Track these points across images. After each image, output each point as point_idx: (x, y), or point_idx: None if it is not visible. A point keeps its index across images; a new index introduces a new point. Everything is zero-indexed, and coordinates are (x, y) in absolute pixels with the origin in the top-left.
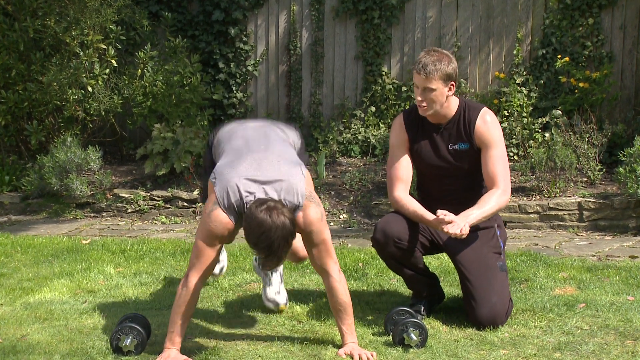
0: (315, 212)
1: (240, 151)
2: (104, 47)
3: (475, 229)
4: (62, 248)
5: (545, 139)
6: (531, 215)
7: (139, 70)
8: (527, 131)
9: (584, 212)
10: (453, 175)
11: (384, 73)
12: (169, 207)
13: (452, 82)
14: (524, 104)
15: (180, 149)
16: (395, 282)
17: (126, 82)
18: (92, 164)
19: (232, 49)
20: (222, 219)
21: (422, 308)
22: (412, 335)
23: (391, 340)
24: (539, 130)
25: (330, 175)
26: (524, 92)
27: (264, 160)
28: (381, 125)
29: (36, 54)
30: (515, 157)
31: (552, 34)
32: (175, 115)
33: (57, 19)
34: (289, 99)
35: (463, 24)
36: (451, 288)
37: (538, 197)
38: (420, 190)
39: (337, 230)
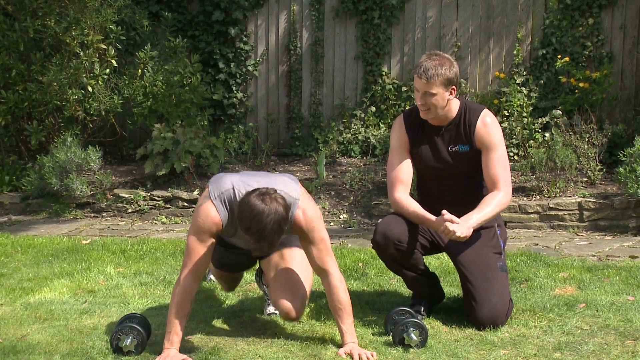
0: (314, 210)
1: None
2: (104, 47)
3: (476, 229)
4: (62, 248)
5: (546, 139)
6: (531, 215)
7: (139, 70)
8: (527, 131)
9: (584, 212)
10: (453, 176)
11: (384, 73)
12: (169, 207)
13: (453, 87)
14: (524, 104)
15: (180, 149)
16: (395, 282)
17: (126, 82)
18: (92, 164)
19: (232, 49)
20: (209, 212)
21: (422, 308)
22: (412, 335)
23: (391, 340)
24: (539, 130)
25: (330, 175)
26: (524, 92)
27: (257, 174)
28: (381, 125)
29: (36, 54)
30: (516, 157)
31: (552, 34)
32: (175, 115)
33: (57, 19)
34: (289, 99)
35: (463, 24)
36: (451, 288)
37: (538, 197)
38: (420, 191)
39: (337, 230)
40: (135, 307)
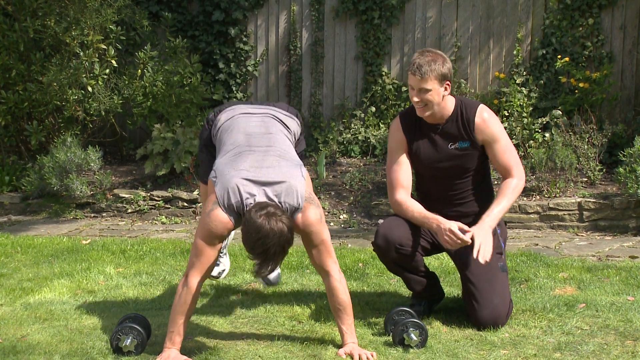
0: (314, 214)
1: (241, 148)
2: (104, 47)
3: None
4: (62, 248)
5: (545, 139)
6: (531, 216)
7: (139, 71)
8: (527, 131)
9: (584, 212)
10: (453, 175)
11: (384, 73)
12: (169, 207)
13: (448, 82)
14: (524, 104)
15: (180, 149)
16: (395, 283)
17: (126, 82)
18: (92, 164)
19: (232, 49)
20: (222, 218)
21: (422, 308)
22: (412, 335)
23: (391, 340)
24: (539, 131)
25: (330, 175)
26: (524, 92)
27: (265, 160)
28: (381, 125)
29: (36, 54)
30: None
31: (552, 34)
32: (175, 116)
33: (57, 19)
34: (289, 99)
35: (463, 24)
36: (451, 288)
37: (538, 197)
38: (419, 193)
39: (337, 231)
40: (135, 307)
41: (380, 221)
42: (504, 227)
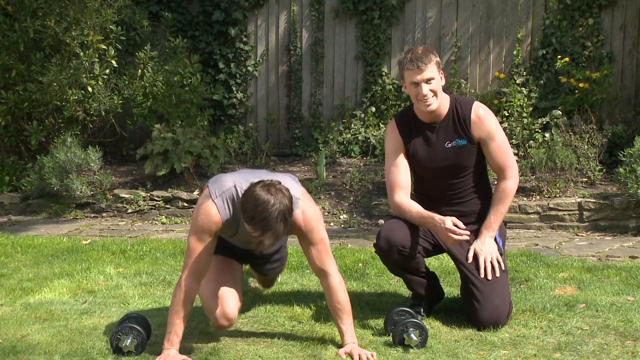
0: (313, 211)
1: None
2: (104, 47)
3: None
4: (62, 248)
5: (545, 139)
6: (531, 216)
7: (139, 71)
8: (527, 131)
9: (584, 213)
10: (451, 174)
11: (384, 73)
12: (169, 208)
13: (442, 72)
14: (524, 104)
15: (180, 149)
16: (395, 283)
17: (126, 82)
18: (92, 164)
19: (232, 49)
20: (210, 211)
21: (422, 309)
22: (412, 335)
23: (391, 340)
24: (539, 131)
25: (330, 175)
26: (524, 92)
27: (259, 172)
28: (381, 125)
29: (36, 54)
30: (516, 158)
31: (552, 34)
32: (175, 116)
33: (57, 20)
34: (289, 99)
35: (463, 24)
36: (451, 288)
37: (538, 197)
38: (418, 193)
39: (337, 231)
40: (135, 307)
41: (381, 221)
42: (502, 227)
